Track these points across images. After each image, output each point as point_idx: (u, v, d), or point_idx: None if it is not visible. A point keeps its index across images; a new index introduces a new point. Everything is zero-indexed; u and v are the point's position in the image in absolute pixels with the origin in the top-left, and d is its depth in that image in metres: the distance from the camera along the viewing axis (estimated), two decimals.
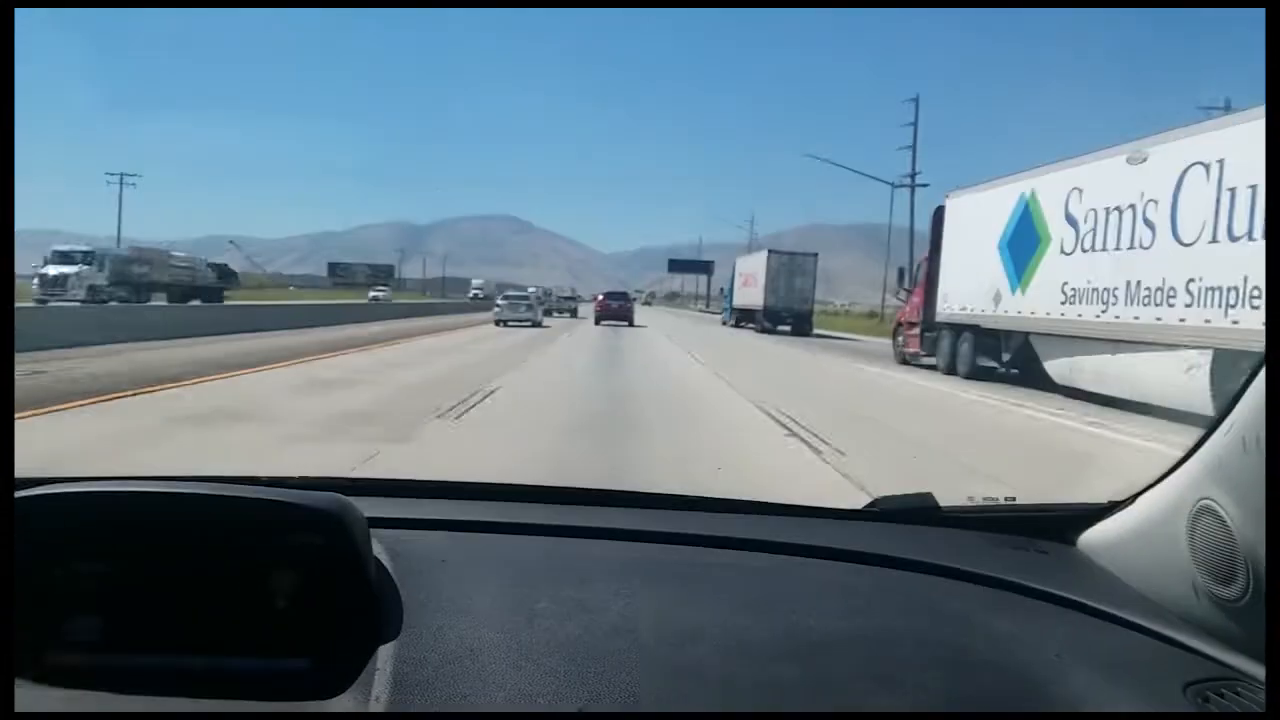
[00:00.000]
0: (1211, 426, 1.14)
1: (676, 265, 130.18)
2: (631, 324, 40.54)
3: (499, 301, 36.62)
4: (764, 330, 40.53)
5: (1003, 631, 1.15)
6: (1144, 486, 1.31)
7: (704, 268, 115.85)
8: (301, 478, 1.47)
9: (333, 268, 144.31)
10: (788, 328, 40.43)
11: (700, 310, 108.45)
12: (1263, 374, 1.02)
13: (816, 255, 41.51)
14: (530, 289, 51.08)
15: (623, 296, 45.41)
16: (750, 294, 44.37)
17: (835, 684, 1.01)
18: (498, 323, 33.93)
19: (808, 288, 40.95)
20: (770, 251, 41.29)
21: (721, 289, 57.35)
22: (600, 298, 43.93)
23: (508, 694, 0.95)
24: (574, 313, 55.95)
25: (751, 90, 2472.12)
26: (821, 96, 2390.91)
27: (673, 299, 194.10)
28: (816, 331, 40.95)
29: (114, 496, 1.07)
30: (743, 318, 48.24)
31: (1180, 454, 1.22)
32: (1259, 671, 1.02)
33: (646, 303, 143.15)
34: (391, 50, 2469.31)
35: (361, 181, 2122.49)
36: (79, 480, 1.09)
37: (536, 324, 34.62)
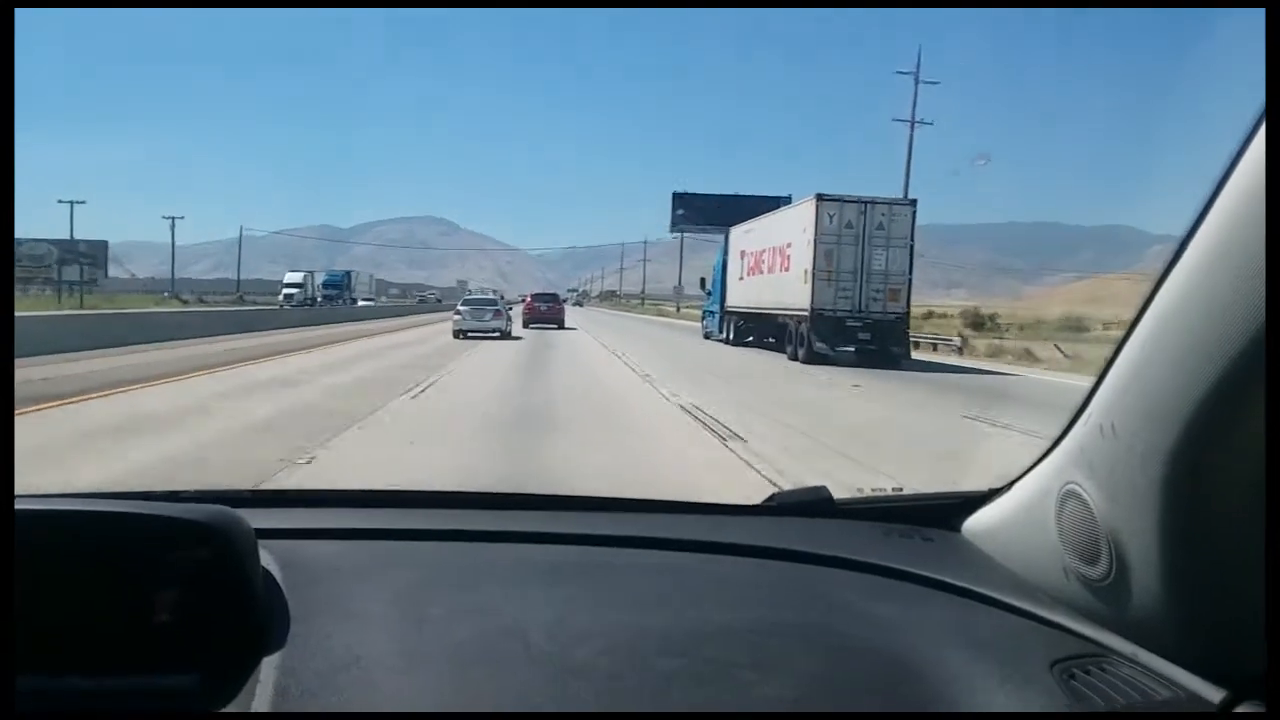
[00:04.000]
0: (1075, 414, 1.17)
1: (687, 207, 61.32)
2: (562, 326, 36.25)
3: (459, 308, 30.49)
4: (811, 357, 20.39)
5: (885, 617, 1.18)
6: (1020, 473, 1.34)
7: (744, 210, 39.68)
8: (197, 491, 1.45)
9: None
10: (850, 348, 20.37)
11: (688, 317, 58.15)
12: (1118, 362, 1.06)
13: (915, 204, 21.36)
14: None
15: (552, 298, 40.80)
16: (773, 286, 23.99)
17: (717, 674, 1.03)
18: (457, 334, 28.00)
19: (900, 271, 20.78)
20: (822, 199, 20.96)
21: (702, 280, 36.46)
22: (528, 299, 39.53)
23: (393, 700, 0.95)
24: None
25: (677, 88, 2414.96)
26: (753, 91, 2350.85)
27: (609, 299, 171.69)
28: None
29: None
30: (747, 329, 27.85)
31: (1051, 440, 1.25)
32: (1124, 647, 1.07)
33: (578, 303, 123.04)
34: (309, 50, 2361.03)
35: (281, 186, 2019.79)
36: None
37: (506, 334, 28.63)
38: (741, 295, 27.69)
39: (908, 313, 20.98)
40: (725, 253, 30.39)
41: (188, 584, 1.04)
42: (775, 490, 2.06)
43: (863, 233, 20.62)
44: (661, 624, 1.14)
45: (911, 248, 20.80)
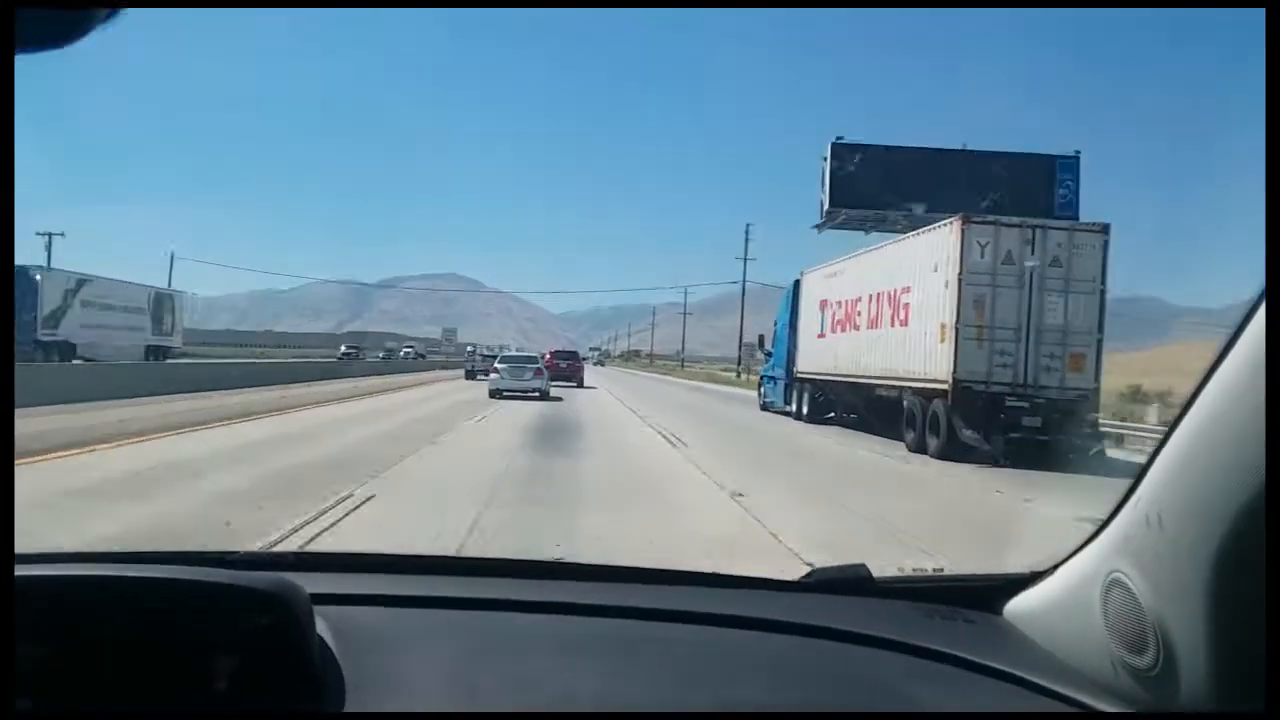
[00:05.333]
0: (1121, 500, 1.16)
1: (859, 174, 26.74)
2: (581, 385, 37.04)
3: (497, 365, 28.83)
4: (948, 450, 14.10)
5: (926, 700, 1.18)
6: (1064, 557, 1.32)
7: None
8: (248, 554, 1.54)
9: None
10: (1007, 438, 13.80)
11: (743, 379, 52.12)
12: (1165, 451, 1.06)
13: (1107, 230, 14.87)
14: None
15: (572, 356, 42.67)
16: (879, 347, 17.50)
17: None
18: (493, 394, 26.32)
19: (1086, 328, 14.28)
20: (970, 221, 14.52)
21: (760, 338, 29.87)
22: (548, 357, 38.38)
23: None
24: None
25: (697, 152, 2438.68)
26: (765, 153, 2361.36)
27: (632, 358, 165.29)
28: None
29: (58, 581, 1.07)
30: (828, 402, 21.41)
31: (1097, 524, 1.23)
32: None
33: (599, 363, 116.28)
34: (339, 108, 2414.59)
35: (309, 241, 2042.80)
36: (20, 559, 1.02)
37: (544, 394, 27.10)
38: (822, 358, 21.16)
39: (1098, 389, 14.38)
40: (794, 303, 23.96)
41: (246, 651, 1.05)
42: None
43: (1030, 271, 14.18)
44: (704, 701, 1.15)
45: (1103, 294, 14.30)
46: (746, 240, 67.08)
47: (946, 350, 14.34)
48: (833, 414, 21.28)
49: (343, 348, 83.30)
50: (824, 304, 21.35)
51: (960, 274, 14.17)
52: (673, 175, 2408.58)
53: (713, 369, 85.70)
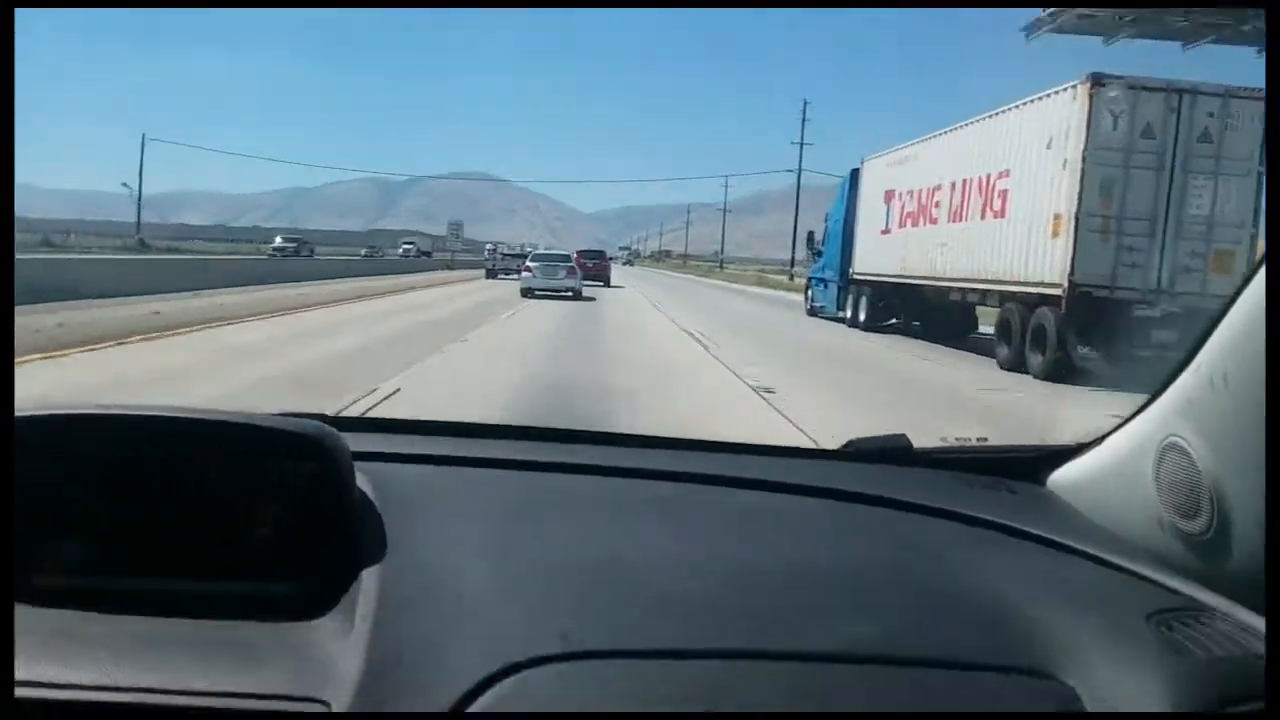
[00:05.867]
0: (1179, 366, 1.16)
1: None
2: (608, 284, 37.36)
3: (529, 264, 28.28)
4: (1055, 369, 11.63)
5: (972, 564, 1.18)
6: (1111, 429, 1.33)
7: None
8: (279, 414, 1.37)
9: None
10: (1110, 361, 11.25)
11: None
12: (1233, 312, 1.04)
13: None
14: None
15: (599, 255, 42.91)
16: (963, 243, 14.87)
17: (809, 611, 1.03)
18: (524, 292, 25.82)
19: (1238, 219, 11.58)
20: (1101, 81, 11.69)
21: (809, 235, 27.19)
22: (575, 255, 36.21)
23: (489, 618, 0.96)
24: None
25: (735, 46, 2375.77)
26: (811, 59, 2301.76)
27: (663, 259, 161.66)
28: None
29: (98, 419, 1.05)
30: (890, 308, 18.93)
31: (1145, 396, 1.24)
32: (1219, 602, 1.06)
33: (628, 263, 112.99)
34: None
35: (335, 137, 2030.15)
36: (61, 408, 1.04)
37: (577, 293, 26.67)
38: (886, 257, 18.49)
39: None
40: (851, 196, 21.14)
41: (288, 496, 1.05)
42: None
43: (1172, 148, 11.37)
44: (752, 560, 1.14)
45: (1260, 176, 11.48)
46: (804, 120, 61.48)
47: (1061, 247, 11.67)
48: (894, 320, 18.76)
49: (277, 239, 59.22)
50: (890, 195, 18.55)
51: (1085, 150, 11.38)
52: (713, 58, 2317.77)
53: (761, 271, 76.34)
